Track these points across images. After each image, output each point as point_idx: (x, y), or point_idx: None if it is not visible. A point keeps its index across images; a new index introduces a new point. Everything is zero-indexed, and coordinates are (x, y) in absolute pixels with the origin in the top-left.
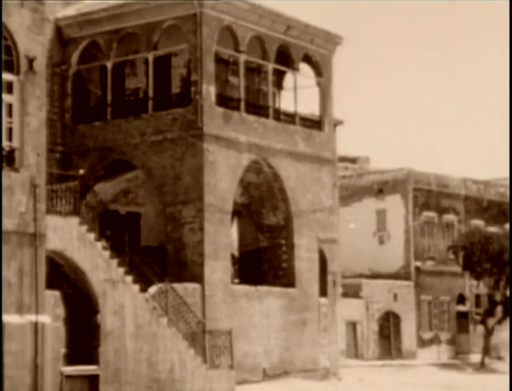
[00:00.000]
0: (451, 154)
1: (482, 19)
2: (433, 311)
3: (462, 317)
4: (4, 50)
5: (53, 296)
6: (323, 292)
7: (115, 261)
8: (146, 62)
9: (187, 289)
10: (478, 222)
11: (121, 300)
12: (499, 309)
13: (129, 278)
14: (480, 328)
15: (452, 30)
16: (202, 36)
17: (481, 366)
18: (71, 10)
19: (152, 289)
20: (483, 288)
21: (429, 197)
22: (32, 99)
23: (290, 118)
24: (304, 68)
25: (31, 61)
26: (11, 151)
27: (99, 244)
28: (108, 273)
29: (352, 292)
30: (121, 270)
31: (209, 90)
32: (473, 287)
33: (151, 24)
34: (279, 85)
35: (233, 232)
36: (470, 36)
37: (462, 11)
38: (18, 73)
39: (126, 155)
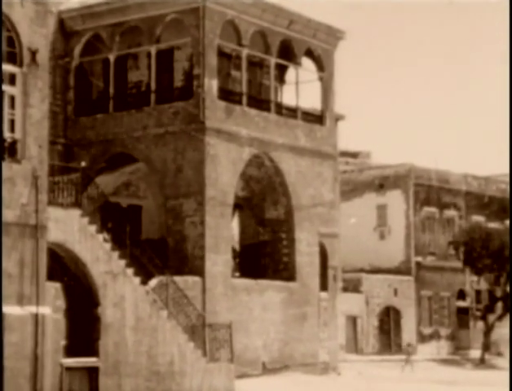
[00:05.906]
0: (452, 149)
1: (483, 17)
2: (433, 306)
3: (462, 312)
4: (7, 42)
5: (53, 288)
6: (323, 286)
7: (116, 254)
8: (148, 55)
9: (187, 282)
10: (478, 218)
11: (122, 292)
12: (499, 305)
13: (129, 271)
14: (480, 324)
15: (453, 27)
16: (205, 30)
17: (481, 362)
18: (74, 3)
19: (153, 282)
20: (483, 284)
21: (430, 192)
22: (34, 91)
23: (292, 112)
24: (306, 62)
25: (34, 53)
26: (13, 143)
27: (100, 236)
28: (109, 265)
29: (352, 287)
30: (122, 263)
31: (211, 84)
32: (473, 282)
33: (154, 17)
34: (281, 79)
35: (234, 226)
36: (470, 32)
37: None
38: (21, 65)
39: (128, 148)
